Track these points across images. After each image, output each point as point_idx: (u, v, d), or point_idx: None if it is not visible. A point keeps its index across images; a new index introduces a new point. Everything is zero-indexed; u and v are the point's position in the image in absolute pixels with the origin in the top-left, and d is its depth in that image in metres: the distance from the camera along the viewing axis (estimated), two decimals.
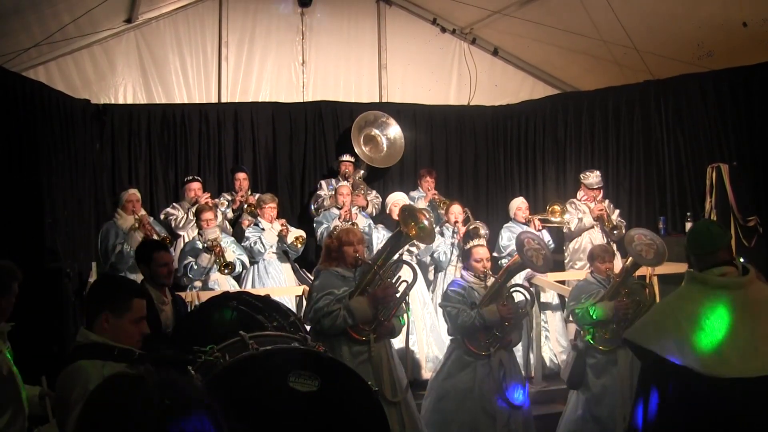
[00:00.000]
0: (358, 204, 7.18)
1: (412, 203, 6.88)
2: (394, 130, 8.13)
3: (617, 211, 7.18)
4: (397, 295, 4.15)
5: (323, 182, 7.67)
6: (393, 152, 8.14)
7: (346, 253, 4.17)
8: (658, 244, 4.63)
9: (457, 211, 6.78)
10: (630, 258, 4.68)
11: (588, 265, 6.85)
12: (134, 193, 6.64)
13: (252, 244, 6.50)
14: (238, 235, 6.86)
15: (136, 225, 6.36)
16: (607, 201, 7.21)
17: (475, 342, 4.48)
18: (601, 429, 4.56)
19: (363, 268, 4.13)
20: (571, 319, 5.51)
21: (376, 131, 8.10)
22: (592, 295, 4.80)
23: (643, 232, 4.78)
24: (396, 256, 4.24)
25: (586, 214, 7.02)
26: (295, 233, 6.61)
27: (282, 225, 6.60)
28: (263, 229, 6.58)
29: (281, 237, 6.55)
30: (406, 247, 6.01)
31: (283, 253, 6.74)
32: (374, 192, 7.82)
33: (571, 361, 4.83)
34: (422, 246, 6.35)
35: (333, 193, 7.27)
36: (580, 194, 7.22)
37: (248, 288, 6.29)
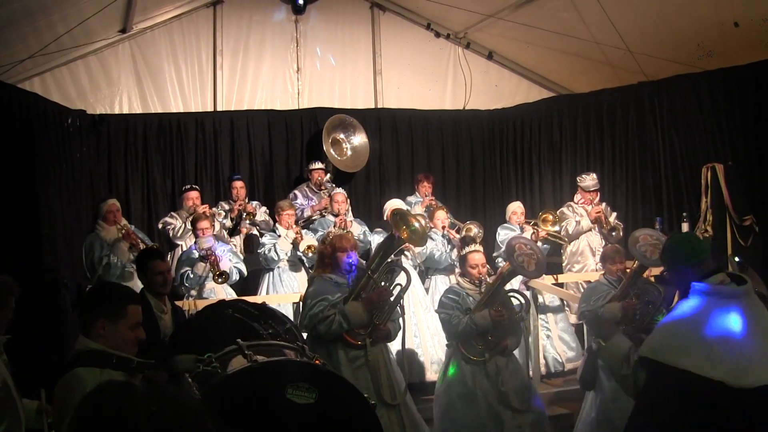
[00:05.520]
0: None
1: (407, 208, 6.87)
2: (359, 137, 8.06)
3: (615, 214, 7.20)
4: (392, 298, 4.16)
5: (297, 192, 7.60)
6: (358, 156, 8.09)
7: (339, 259, 4.20)
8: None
9: (441, 216, 6.86)
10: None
11: (585, 267, 6.93)
12: (114, 203, 6.53)
13: (267, 252, 6.46)
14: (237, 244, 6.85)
15: (121, 235, 6.28)
16: (604, 204, 7.23)
17: (470, 348, 4.48)
18: (614, 431, 4.54)
19: (357, 274, 4.15)
20: (581, 320, 5.50)
21: (341, 135, 8.06)
22: (602, 296, 4.80)
23: (649, 233, 4.74)
24: (389, 260, 4.25)
25: (583, 216, 7.03)
26: (307, 241, 6.49)
27: (296, 233, 6.53)
28: (279, 236, 6.55)
29: (295, 244, 6.48)
30: (403, 252, 6.01)
31: (299, 261, 6.64)
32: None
33: (583, 363, 4.83)
34: (417, 250, 6.34)
35: (316, 201, 7.31)
36: (577, 197, 7.23)
37: (263, 296, 6.28)
